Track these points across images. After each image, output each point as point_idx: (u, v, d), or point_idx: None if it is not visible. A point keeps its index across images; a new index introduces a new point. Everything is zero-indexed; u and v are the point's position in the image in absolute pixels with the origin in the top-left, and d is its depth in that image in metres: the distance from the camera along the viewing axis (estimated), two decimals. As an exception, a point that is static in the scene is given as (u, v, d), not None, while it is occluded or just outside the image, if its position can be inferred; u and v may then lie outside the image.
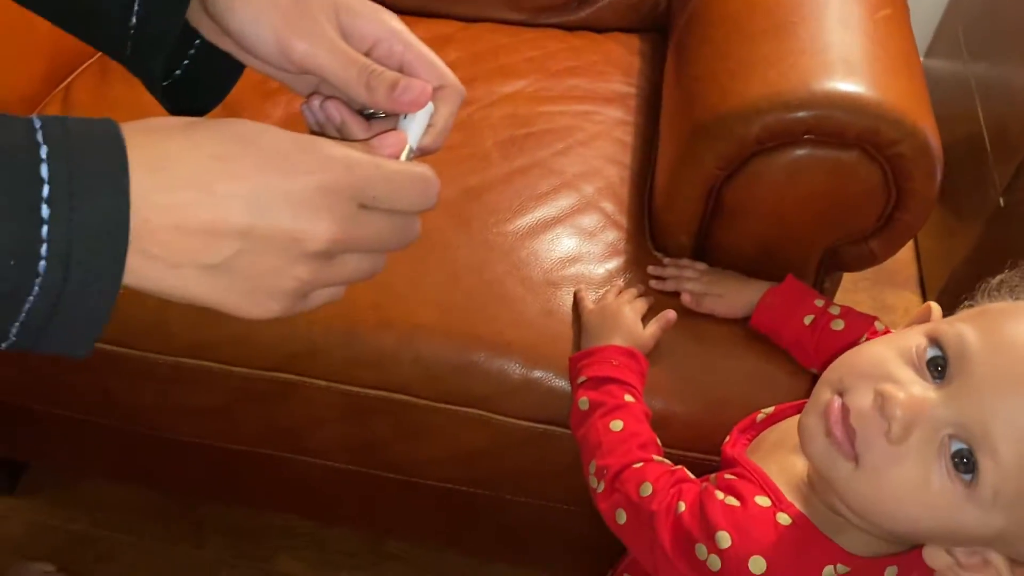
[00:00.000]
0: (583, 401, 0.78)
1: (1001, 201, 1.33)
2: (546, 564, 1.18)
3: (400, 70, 0.47)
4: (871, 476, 0.54)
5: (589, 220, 0.97)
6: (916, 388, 0.52)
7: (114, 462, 1.16)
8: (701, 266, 0.93)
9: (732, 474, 0.68)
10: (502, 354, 0.86)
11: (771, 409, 0.75)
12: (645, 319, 0.88)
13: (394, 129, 0.46)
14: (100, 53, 1.15)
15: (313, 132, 0.50)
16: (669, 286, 0.92)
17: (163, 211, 0.35)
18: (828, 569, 0.61)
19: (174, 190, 0.35)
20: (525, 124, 1.07)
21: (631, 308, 0.87)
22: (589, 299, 0.89)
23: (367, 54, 0.47)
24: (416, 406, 0.88)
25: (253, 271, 0.37)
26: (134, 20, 0.47)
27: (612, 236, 0.97)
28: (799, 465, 0.67)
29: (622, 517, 0.69)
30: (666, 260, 0.95)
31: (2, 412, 1.07)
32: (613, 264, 0.94)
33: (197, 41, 0.50)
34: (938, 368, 0.53)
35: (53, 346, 0.36)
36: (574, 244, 0.95)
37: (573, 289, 0.91)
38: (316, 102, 0.49)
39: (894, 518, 0.55)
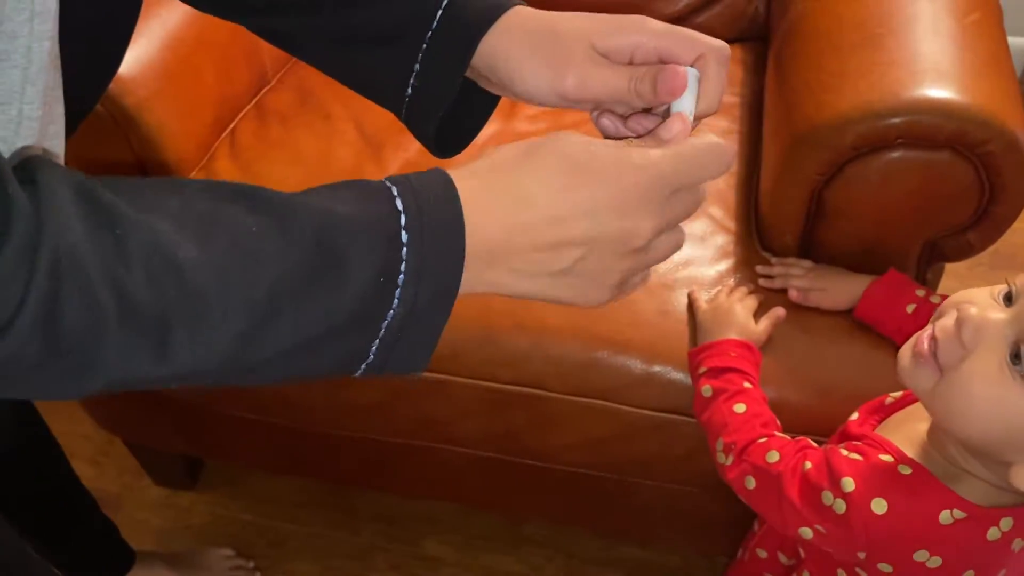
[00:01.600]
0: (706, 389, 0.87)
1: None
2: (674, 543, 1.27)
3: (661, 60, 0.51)
4: (951, 380, 0.64)
5: (699, 225, 1.06)
6: (989, 309, 0.65)
7: (280, 457, 1.32)
8: (807, 263, 1.01)
9: (857, 444, 0.76)
10: (623, 351, 0.96)
11: (899, 393, 0.83)
12: (756, 316, 0.96)
13: (670, 113, 0.50)
14: (255, 100, 1.33)
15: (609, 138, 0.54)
16: (777, 284, 1.00)
17: (524, 234, 0.44)
18: (945, 513, 0.69)
19: (532, 223, 0.44)
20: (636, 140, 1.16)
21: (743, 306, 0.96)
22: (703, 299, 0.98)
23: (630, 62, 0.52)
24: (549, 399, 0.99)
25: (591, 271, 0.45)
26: (409, 91, 0.56)
27: (721, 239, 1.05)
28: (922, 428, 0.75)
29: (751, 483, 0.78)
30: (773, 260, 1.03)
31: (189, 415, 1.23)
32: (723, 266, 1.03)
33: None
34: (1009, 299, 0.65)
35: (400, 362, 0.44)
36: (686, 248, 1.02)
37: (687, 291, 1.00)
38: (596, 117, 0.54)
39: (973, 421, 0.65)
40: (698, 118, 0.51)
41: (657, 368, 0.96)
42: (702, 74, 0.51)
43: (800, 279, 0.99)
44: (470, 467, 1.13)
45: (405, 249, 0.41)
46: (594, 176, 0.45)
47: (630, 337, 0.97)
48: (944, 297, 0.91)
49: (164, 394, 1.16)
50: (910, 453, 0.73)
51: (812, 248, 1.02)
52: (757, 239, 1.07)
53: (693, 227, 1.06)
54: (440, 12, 0.54)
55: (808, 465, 0.75)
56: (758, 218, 1.07)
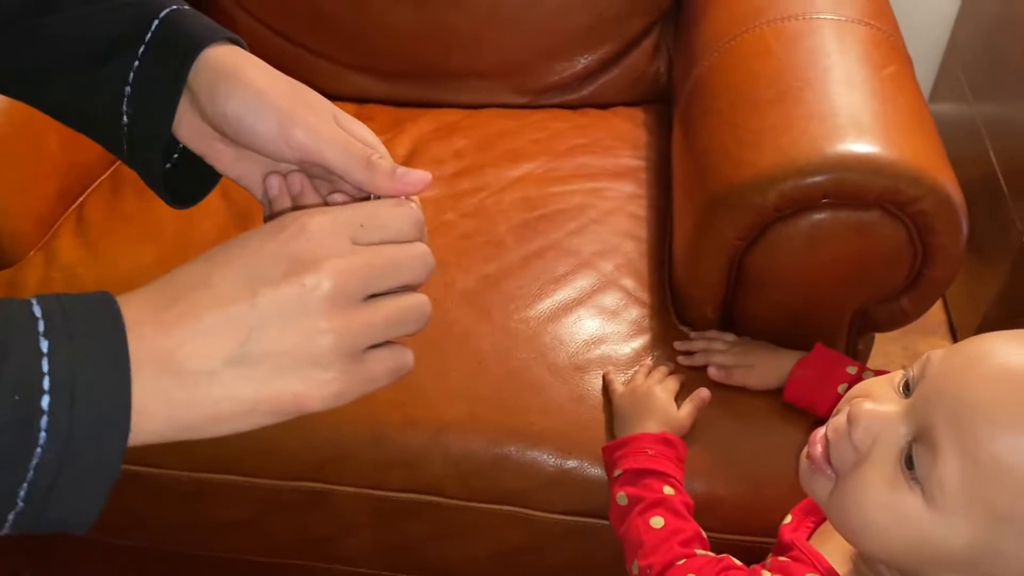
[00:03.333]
0: (621, 496, 0.75)
1: (1025, 240, 1.31)
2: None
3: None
4: (844, 488, 0.55)
5: (610, 299, 0.96)
6: (885, 402, 0.55)
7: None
8: (730, 337, 0.91)
9: (787, 558, 0.65)
10: (534, 445, 0.84)
11: None
12: (678, 399, 0.85)
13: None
14: (111, 170, 1.18)
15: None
16: (698, 360, 0.90)
17: (170, 328, 0.36)
18: None
19: (170, 302, 0.37)
20: (537, 206, 1.06)
21: (662, 388, 0.85)
22: (618, 382, 0.87)
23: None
24: (449, 507, 0.85)
25: (281, 343, 0.37)
26: (125, 120, 0.48)
27: (635, 313, 0.95)
28: None
29: None
30: (692, 334, 0.93)
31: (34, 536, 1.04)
32: (639, 342, 0.92)
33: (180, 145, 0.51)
34: (908, 389, 0.56)
35: (64, 511, 0.35)
36: (597, 325, 0.93)
37: (601, 372, 0.89)
38: (281, 177, 0.48)
39: (869, 535, 0.55)
40: None
41: (572, 463, 0.84)
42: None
43: (723, 355, 0.90)
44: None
45: (46, 360, 0.34)
46: (247, 238, 0.40)
47: (541, 428, 0.84)
48: (878, 372, 0.83)
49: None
50: (842, 570, 0.63)
51: (734, 320, 0.93)
52: (674, 312, 0.97)
53: (604, 300, 0.96)
54: (156, 23, 0.47)
55: None
56: (674, 289, 0.98)
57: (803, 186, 0.81)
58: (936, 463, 0.51)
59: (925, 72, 1.75)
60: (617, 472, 0.77)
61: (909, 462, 0.53)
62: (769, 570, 0.64)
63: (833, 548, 0.65)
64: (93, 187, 1.17)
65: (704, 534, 0.72)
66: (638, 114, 1.30)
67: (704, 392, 0.86)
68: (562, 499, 0.84)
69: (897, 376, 0.58)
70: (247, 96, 0.46)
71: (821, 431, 0.59)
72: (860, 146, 0.81)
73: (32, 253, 1.04)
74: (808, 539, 0.68)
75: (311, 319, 0.38)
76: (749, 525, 0.81)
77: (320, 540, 0.91)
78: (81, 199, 1.15)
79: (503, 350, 0.89)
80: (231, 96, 0.46)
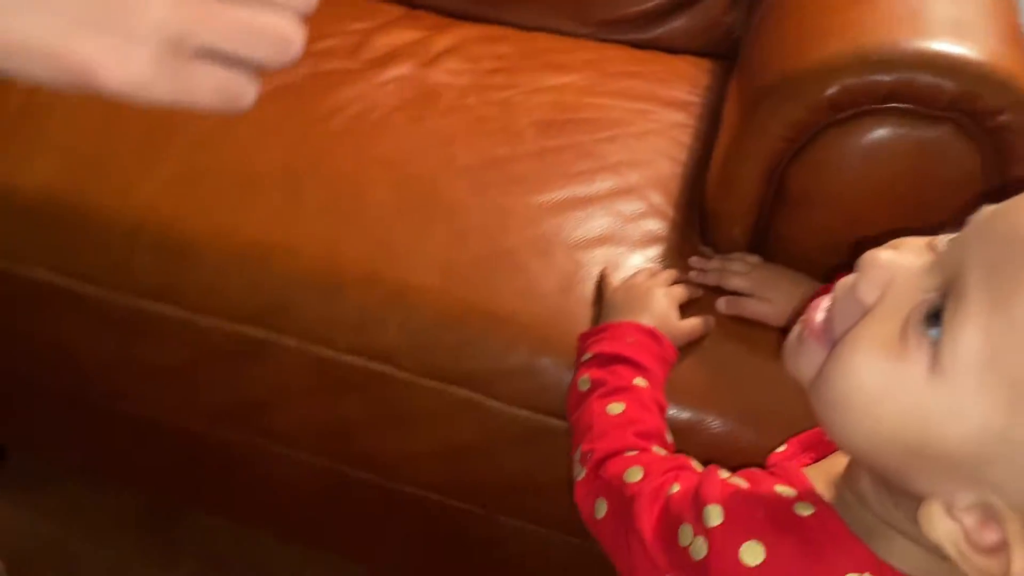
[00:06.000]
0: (583, 380, 0.63)
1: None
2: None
3: None
4: (836, 352, 0.42)
5: (629, 206, 0.84)
6: (909, 254, 0.42)
7: (83, 451, 1.05)
8: (753, 259, 0.79)
9: (752, 469, 0.53)
10: (503, 327, 0.73)
11: None
12: (683, 313, 0.73)
13: None
14: None
15: None
16: (711, 279, 0.78)
17: None
18: None
19: None
20: (568, 111, 0.96)
21: (665, 293, 0.73)
22: (616, 278, 0.76)
23: None
24: (397, 381, 0.74)
25: None
26: None
27: (654, 225, 0.84)
28: (843, 462, 0.51)
29: (601, 509, 0.54)
30: (713, 255, 0.81)
31: None
32: (651, 251, 0.81)
33: None
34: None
35: None
36: (607, 224, 0.82)
37: (599, 269, 0.77)
38: None
39: (854, 413, 0.41)
40: None
41: (544, 359, 0.72)
42: None
43: (740, 278, 0.77)
44: (300, 481, 0.87)
45: None
46: None
47: (515, 311, 0.73)
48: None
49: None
50: (821, 489, 0.50)
51: (765, 245, 0.80)
52: (699, 233, 0.85)
53: (622, 205, 0.84)
54: None
55: (675, 488, 0.51)
56: (704, 208, 0.86)
57: (868, 82, 0.70)
58: (956, 317, 0.38)
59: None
60: (586, 356, 0.66)
61: (929, 320, 0.39)
62: (729, 472, 0.51)
63: (817, 470, 0.53)
64: None
65: (670, 438, 0.60)
66: (706, 63, 1.19)
67: (712, 318, 0.74)
68: (523, 392, 0.72)
69: (942, 238, 0.44)
70: None
71: (826, 298, 0.46)
72: (941, 43, 0.69)
73: None
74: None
75: None
76: (732, 459, 0.68)
77: (252, 405, 0.80)
78: None
79: (492, 227, 0.78)
80: None
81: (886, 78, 0.69)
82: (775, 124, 0.73)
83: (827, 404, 0.43)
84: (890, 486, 0.44)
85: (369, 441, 0.79)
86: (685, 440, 0.67)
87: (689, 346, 0.72)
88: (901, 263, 0.42)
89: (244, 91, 0.35)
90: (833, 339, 0.43)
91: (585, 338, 0.68)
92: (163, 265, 0.77)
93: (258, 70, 0.36)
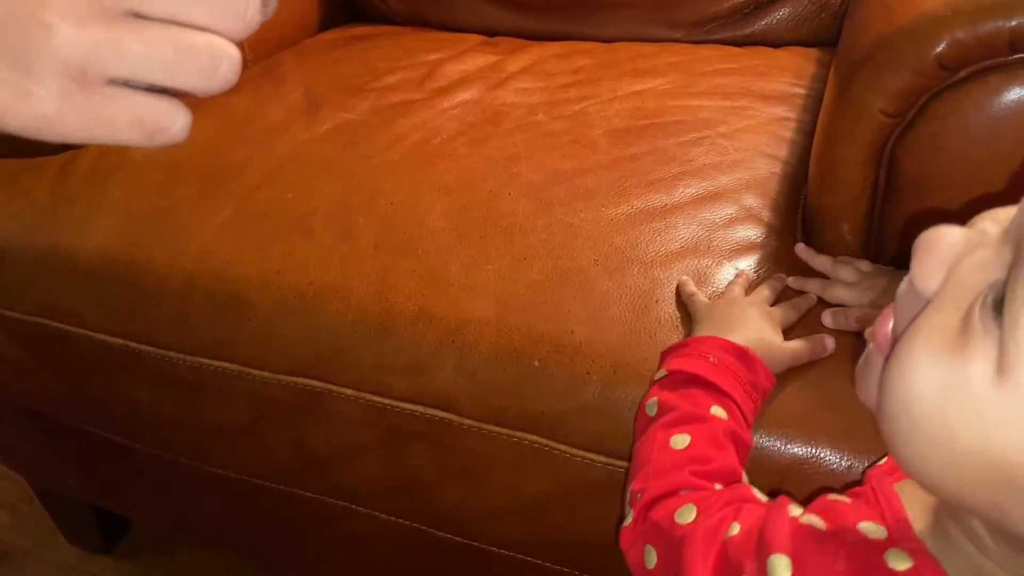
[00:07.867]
0: (651, 404, 0.54)
1: None
2: None
3: None
4: (895, 354, 0.32)
5: (717, 212, 0.74)
6: (974, 229, 0.33)
7: (186, 515, 1.02)
8: (865, 266, 0.67)
9: (848, 495, 0.41)
10: (570, 359, 0.63)
11: None
12: (788, 336, 0.62)
13: None
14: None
15: None
16: (813, 288, 0.66)
17: None
18: None
19: None
20: (649, 116, 0.87)
21: (764, 312, 0.62)
22: (701, 293, 0.65)
23: None
24: (457, 427, 0.66)
25: None
26: None
27: (750, 232, 0.73)
28: None
29: (651, 558, 0.44)
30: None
31: (91, 449, 0.97)
32: (744, 262, 0.70)
33: None
34: None
35: None
36: (691, 234, 0.71)
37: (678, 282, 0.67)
38: None
39: (911, 428, 0.31)
40: None
41: (620, 394, 0.63)
42: None
43: (845, 289, 0.65)
44: (380, 540, 0.81)
45: None
46: None
47: (582, 339, 0.64)
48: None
49: (69, 424, 0.91)
50: (919, 522, 0.38)
51: (880, 244, 0.68)
52: (802, 235, 0.73)
53: (709, 213, 0.74)
54: None
55: (735, 529, 0.41)
56: (806, 206, 0.74)
57: (984, 32, 0.57)
58: (1015, 300, 0.28)
59: None
60: (660, 373, 0.56)
61: (998, 306, 0.29)
62: (809, 509, 0.41)
63: (912, 494, 0.41)
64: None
65: (745, 477, 0.49)
66: (814, 52, 1.07)
67: (829, 341, 0.62)
68: (599, 436, 0.62)
69: None
70: None
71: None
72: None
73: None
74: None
75: (40, 8, 0.28)
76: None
77: (320, 460, 0.75)
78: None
79: (556, 247, 0.70)
80: None
81: (1008, 23, 0.56)
82: (874, 97, 0.61)
83: (890, 421, 0.32)
84: (1001, 529, 0.32)
85: (440, 495, 0.71)
86: (790, 480, 0.56)
87: (793, 371, 0.61)
88: (965, 240, 0.33)
89: (167, 121, 0.31)
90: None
91: (665, 354, 0.59)
92: (216, 319, 0.73)
93: (184, 97, 0.31)
